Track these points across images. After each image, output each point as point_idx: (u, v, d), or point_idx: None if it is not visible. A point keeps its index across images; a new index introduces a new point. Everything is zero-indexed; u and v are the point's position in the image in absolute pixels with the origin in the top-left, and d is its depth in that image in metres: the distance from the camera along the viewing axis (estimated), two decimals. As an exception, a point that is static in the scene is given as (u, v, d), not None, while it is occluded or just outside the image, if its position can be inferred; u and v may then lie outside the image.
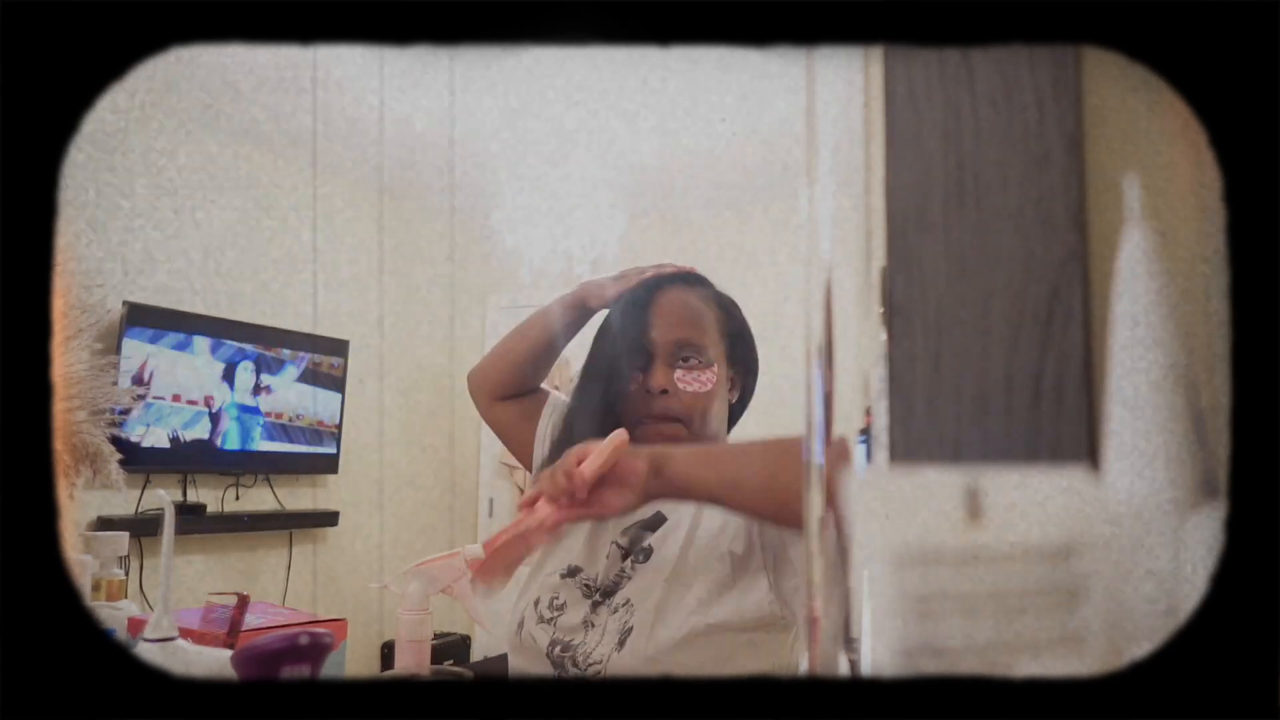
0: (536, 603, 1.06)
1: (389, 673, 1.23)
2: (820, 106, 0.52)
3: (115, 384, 0.91)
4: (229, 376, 2.96)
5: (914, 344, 0.50)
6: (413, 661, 1.01)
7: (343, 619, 1.08)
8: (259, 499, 3.15)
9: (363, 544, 3.49)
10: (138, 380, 2.62)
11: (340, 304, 3.44)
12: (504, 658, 1.09)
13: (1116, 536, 0.38)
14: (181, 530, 2.71)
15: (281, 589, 3.18)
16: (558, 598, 1.05)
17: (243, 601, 1.00)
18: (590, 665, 0.97)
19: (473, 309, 4.05)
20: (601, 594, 1.02)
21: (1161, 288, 0.41)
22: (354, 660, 3.19)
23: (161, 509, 0.80)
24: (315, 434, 3.24)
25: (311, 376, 3.22)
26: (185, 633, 0.82)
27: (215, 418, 2.91)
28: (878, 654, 0.35)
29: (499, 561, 0.86)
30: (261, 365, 3.06)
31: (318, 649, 0.72)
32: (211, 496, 2.97)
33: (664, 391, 1.03)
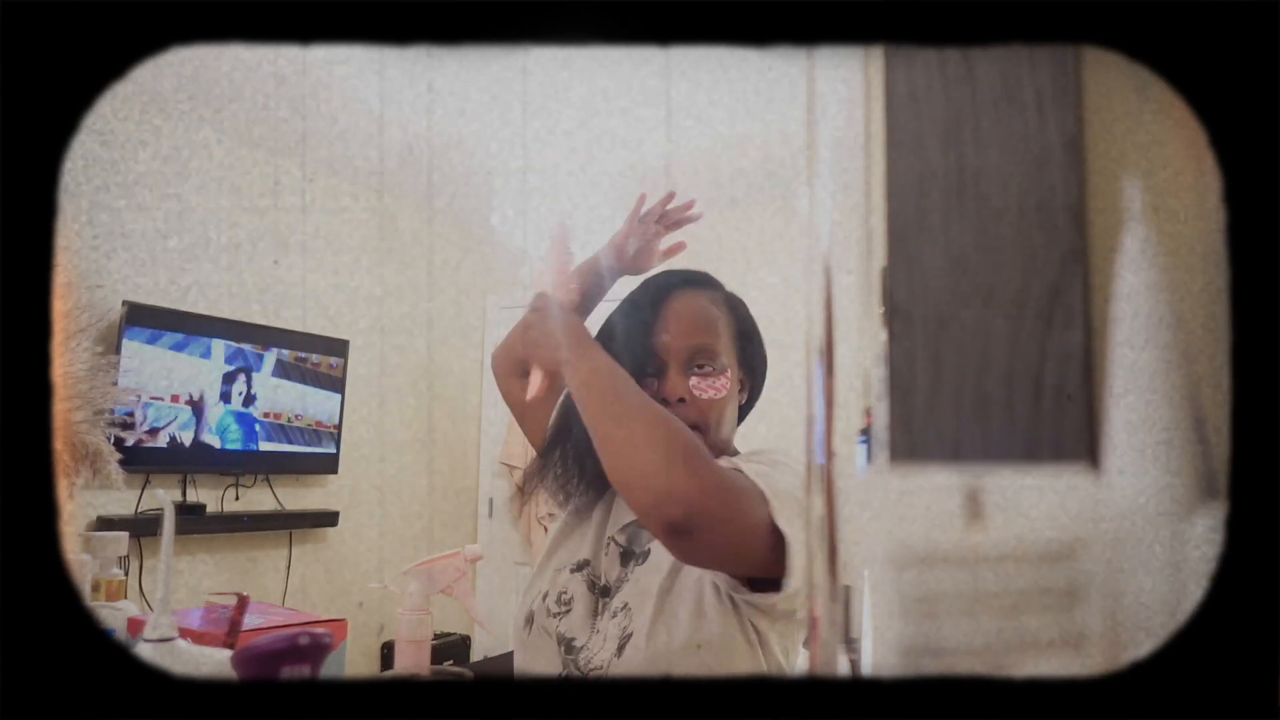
0: (545, 596, 1.05)
1: (389, 673, 1.23)
2: (820, 106, 0.52)
3: (115, 384, 0.90)
4: (229, 377, 2.96)
5: (914, 344, 0.50)
6: (413, 661, 1.01)
7: (343, 619, 1.08)
8: (259, 499, 3.15)
9: (363, 544, 3.49)
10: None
11: (340, 304, 3.44)
12: (505, 657, 1.09)
13: (1116, 536, 0.37)
14: (181, 530, 2.72)
15: (281, 589, 3.18)
16: (565, 592, 1.04)
17: (242, 602, 1.00)
18: (592, 670, 0.97)
19: (473, 309, 4.05)
20: (603, 592, 1.02)
21: (1162, 288, 0.41)
22: (354, 660, 3.20)
23: (161, 509, 0.79)
24: (315, 434, 3.24)
25: (312, 377, 3.23)
26: (185, 633, 0.82)
27: (215, 418, 2.91)
28: (878, 654, 0.35)
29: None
30: (262, 365, 3.07)
31: (318, 649, 0.72)
32: (211, 497, 2.98)
33: (680, 400, 1.01)
